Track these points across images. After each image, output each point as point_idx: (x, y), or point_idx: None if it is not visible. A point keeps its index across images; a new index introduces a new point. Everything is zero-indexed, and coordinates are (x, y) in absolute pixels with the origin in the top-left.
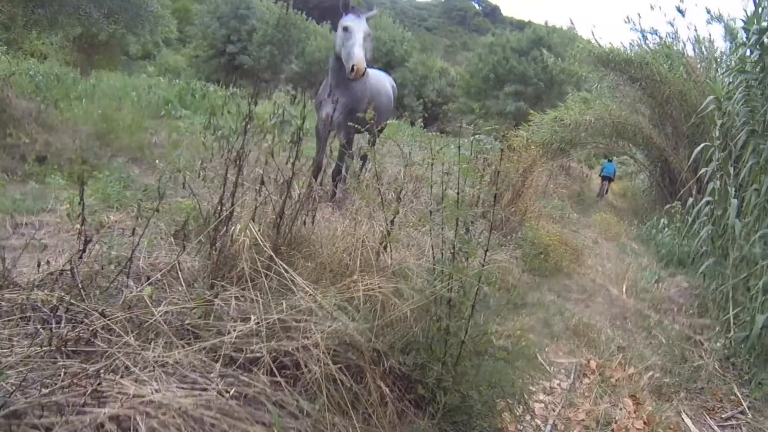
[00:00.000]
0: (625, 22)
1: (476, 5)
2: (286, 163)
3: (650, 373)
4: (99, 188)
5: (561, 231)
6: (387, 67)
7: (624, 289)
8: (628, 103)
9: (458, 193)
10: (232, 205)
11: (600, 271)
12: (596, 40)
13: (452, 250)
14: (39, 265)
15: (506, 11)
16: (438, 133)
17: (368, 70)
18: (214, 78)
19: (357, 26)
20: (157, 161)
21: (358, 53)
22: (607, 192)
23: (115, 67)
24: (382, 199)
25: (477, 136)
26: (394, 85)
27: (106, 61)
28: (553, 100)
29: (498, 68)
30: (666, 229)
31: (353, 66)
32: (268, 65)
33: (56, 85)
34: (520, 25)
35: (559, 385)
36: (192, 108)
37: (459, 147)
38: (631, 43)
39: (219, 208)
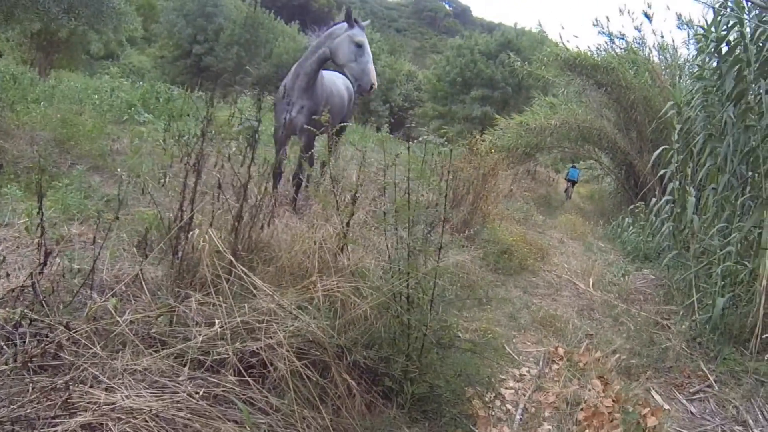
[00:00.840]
0: (594, 24)
1: (447, 6)
2: (241, 165)
3: (617, 356)
4: (59, 199)
5: (525, 232)
6: None
7: (591, 283)
8: (594, 108)
9: (408, 194)
10: (192, 211)
11: (566, 267)
12: (564, 44)
13: (407, 249)
14: None
15: (477, 12)
16: (403, 139)
17: (322, 71)
18: (179, 80)
19: (367, 42)
20: (118, 169)
21: (373, 71)
22: (571, 194)
23: (75, 67)
24: (337, 202)
25: (425, 138)
26: (350, 86)
27: (67, 61)
28: (520, 105)
29: (465, 72)
30: (631, 228)
31: (372, 85)
32: (235, 68)
33: (12, 86)
34: (490, 27)
35: (528, 372)
36: (156, 112)
37: (408, 148)
38: (598, 48)
39: (179, 215)
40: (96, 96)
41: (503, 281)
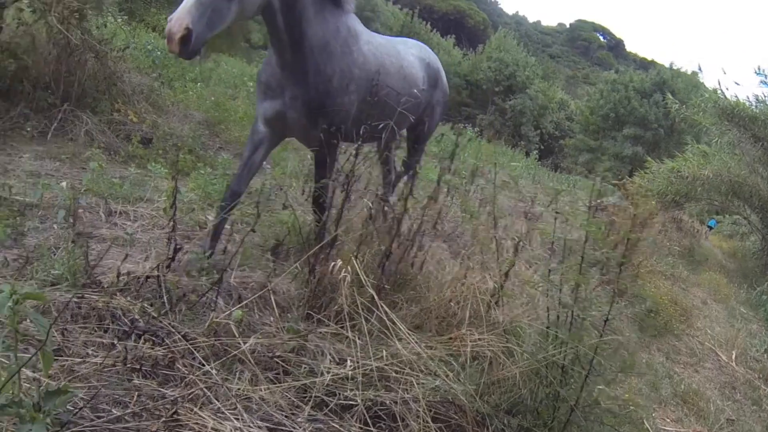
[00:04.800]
0: (756, 73)
1: (601, 37)
2: (399, 199)
3: None
4: (201, 184)
5: (671, 288)
6: (508, 92)
7: (733, 357)
8: (747, 162)
9: (582, 257)
10: (336, 231)
11: (709, 334)
12: (722, 91)
13: (571, 316)
14: (118, 276)
15: (630, 47)
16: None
17: (362, 32)
18: None
19: None
20: (264, 162)
21: (177, 14)
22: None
23: (235, 53)
24: (497, 248)
25: (606, 199)
26: (433, 62)
27: (227, 46)
28: (671, 149)
29: (619, 108)
30: None
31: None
32: None
33: (173, 64)
34: (643, 64)
35: None
36: None
37: (589, 208)
38: (757, 98)
39: (321, 232)
40: (251, 84)
41: (648, 343)
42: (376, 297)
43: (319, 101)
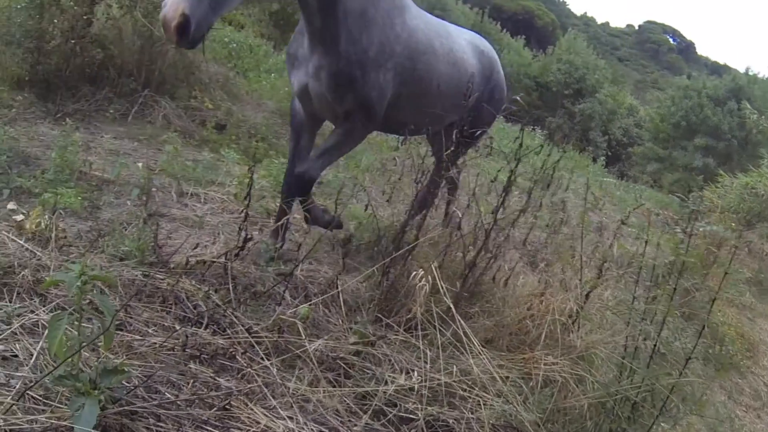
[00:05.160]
0: None
1: (671, 40)
2: (492, 212)
3: None
4: (272, 171)
5: (738, 318)
6: (577, 95)
7: None
8: None
9: (674, 288)
10: (417, 238)
11: None
12: None
13: (652, 351)
14: (187, 262)
15: (701, 49)
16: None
17: (410, 5)
18: None
19: None
20: None
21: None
22: None
23: None
24: (581, 267)
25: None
26: (488, 49)
27: None
28: (744, 162)
29: (690, 116)
30: None
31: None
32: None
33: (248, 55)
34: (715, 68)
35: None
36: None
37: (690, 237)
38: None
39: (400, 235)
40: None
41: (711, 377)
42: (453, 309)
43: (348, 73)
